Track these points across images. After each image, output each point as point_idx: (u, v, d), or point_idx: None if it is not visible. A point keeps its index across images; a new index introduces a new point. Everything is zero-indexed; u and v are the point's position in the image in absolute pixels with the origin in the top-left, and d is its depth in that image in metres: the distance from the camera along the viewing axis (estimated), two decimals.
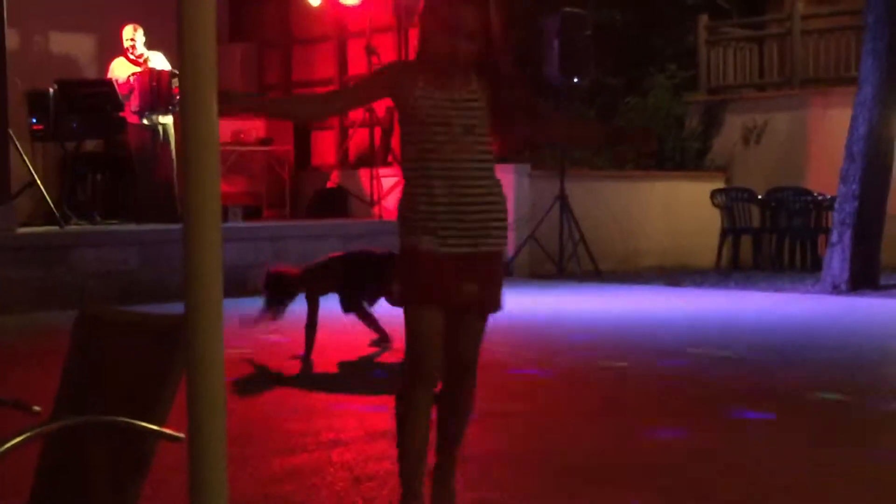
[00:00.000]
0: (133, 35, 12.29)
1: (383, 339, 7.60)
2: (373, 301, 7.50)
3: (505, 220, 3.63)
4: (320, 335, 7.37)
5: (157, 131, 12.20)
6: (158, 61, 12.31)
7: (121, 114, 12.05)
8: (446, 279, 3.54)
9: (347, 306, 7.53)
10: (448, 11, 3.47)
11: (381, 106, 14.28)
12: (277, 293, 7.35)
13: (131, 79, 12.12)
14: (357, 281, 7.39)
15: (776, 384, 6.47)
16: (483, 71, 3.53)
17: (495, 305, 3.66)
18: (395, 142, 14.44)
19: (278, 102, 3.79)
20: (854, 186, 11.17)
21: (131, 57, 12.30)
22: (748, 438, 5.21)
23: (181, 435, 2.27)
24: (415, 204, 3.55)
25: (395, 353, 7.26)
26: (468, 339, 3.66)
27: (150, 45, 12.39)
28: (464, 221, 3.53)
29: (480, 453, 4.73)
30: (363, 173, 14.10)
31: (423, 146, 3.52)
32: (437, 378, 3.66)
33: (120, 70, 12.29)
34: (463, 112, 3.50)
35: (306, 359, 7.26)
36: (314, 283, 7.37)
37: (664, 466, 4.68)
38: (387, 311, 7.90)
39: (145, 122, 12.20)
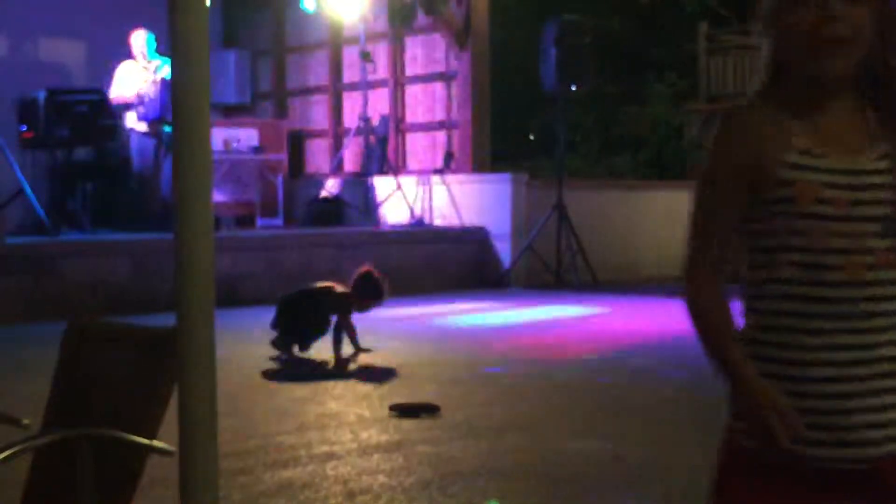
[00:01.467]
0: (143, 41, 12.15)
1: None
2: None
3: None
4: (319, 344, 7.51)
5: (163, 140, 12.03)
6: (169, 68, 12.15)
7: (126, 121, 11.92)
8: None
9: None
10: None
11: (376, 113, 14.16)
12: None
13: (143, 86, 11.96)
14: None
15: None
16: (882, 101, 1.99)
17: None
18: (389, 151, 14.30)
19: (728, 326, 2.03)
20: None
21: (142, 63, 12.15)
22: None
23: (172, 448, 2.29)
24: (779, 366, 1.98)
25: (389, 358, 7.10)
26: None
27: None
28: (869, 397, 1.95)
29: (470, 469, 4.63)
30: (358, 182, 13.95)
31: (802, 258, 1.95)
32: None
33: (129, 76, 12.12)
34: (873, 194, 1.94)
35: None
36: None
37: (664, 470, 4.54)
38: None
39: (150, 129, 12.05)
